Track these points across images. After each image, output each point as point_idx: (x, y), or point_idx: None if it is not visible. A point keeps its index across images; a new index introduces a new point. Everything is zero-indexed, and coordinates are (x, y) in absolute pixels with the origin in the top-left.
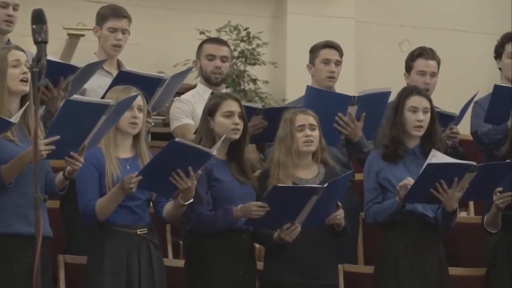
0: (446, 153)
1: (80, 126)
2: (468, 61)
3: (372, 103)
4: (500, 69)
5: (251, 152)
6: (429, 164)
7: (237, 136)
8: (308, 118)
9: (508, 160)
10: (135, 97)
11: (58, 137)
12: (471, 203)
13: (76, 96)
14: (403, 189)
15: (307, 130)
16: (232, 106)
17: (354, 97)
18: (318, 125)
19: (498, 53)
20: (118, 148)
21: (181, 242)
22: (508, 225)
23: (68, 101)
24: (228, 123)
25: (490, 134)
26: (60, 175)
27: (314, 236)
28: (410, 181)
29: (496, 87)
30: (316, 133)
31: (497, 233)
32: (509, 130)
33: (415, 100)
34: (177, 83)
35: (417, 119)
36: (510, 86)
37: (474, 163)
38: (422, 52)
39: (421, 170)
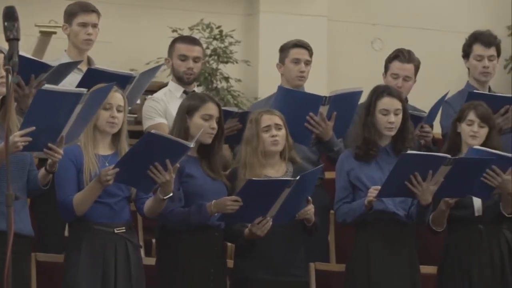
0: None
1: (55, 116)
2: (440, 60)
3: (343, 103)
4: (468, 68)
5: (224, 149)
6: (403, 154)
7: (209, 141)
8: (273, 118)
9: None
10: (111, 86)
11: (34, 128)
12: None
13: (48, 86)
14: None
15: (273, 130)
16: (212, 109)
17: (325, 97)
18: (284, 124)
19: (466, 53)
20: (97, 145)
21: (153, 240)
22: (454, 224)
23: (40, 91)
24: (205, 126)
25: None
26: (42, 170)
27: (284, 234)
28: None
29: (470, 94)
30: (282, 132)
31: (442, 232)
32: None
33: (386, 102)
34: (147, 81)
35: (388, 121)
36: (481, 91)
37: (449, 156)
38: (398, 55)
39: (395, 162)
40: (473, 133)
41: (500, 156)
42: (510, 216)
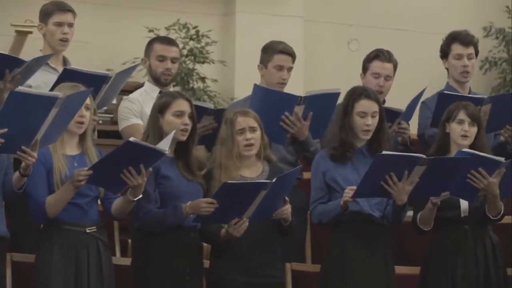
0: (397, 150)
1: (29, 119)
2: (416, 60)
3: (320, 103)
4: (447, 69)
5: (199, 150)
6: (378, 155)
7: (184, 138)
8: (248, 121)
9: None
10: (88, 92)
11: (6, 129)
12: None
13: (22, 88)
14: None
15: (247, 133)
16: (183, 105)
17: (300, 97)
18: (260, 124)
19: (444, 53)
20: (64, 146)
21: (129, 240)
22: (440, 225)
23: (13, 92)
24: (178, 123)
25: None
26: (16, 173)
27: (261, 235)
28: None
29: (440, 95)
30: (256, 134)
31: (429, 231)
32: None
33: (364, 105)
34: (123, 80)
35: (365, 123)
36: (455, 93)
37: (424, 156)
38: (378, 54)
39: (371, 162)
40: (464, 133)
41: (487, 159)
42: (495, 218)
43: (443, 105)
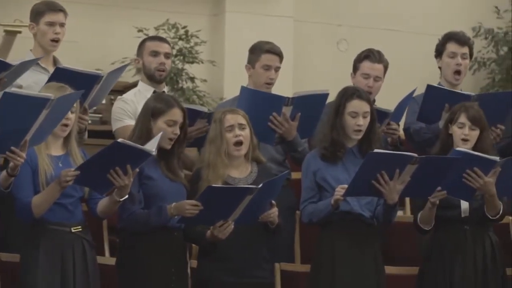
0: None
1: (20, 120)
2: (406, 61)
3: (308, 104)
4: (440, 68)
5: (191, 151)
6: (370, 153)
7: (169, 147)
8: (236, 118)
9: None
10: (79, 94)
11: None
12: (408, 202)
13: (14, 89)
14: (341, 192)
15: (236, 130)
16: (177, 115)
17: (288, 98)
18: (248, 123)
19: (439, 52)
20: (49, 147)
21: (118, 240)
22: (440, 224)
23: (6, 93)
24: (169, 131)
25: (422, 132)
26: (3, 173)
27: (248, 235)
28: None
29: (429, 87)
30: (246, 132)
31: (429, 230)
32: (439, 131)
33: (355, 105)
34: (113, 80)
35: (356, 123)
36: (442, 86)
37: (416, 155)
38: (369, 55)
39: (363, 161)
40: (464, 136)
41: (483, 158)
42: (494, 218)
43: (431, 98)
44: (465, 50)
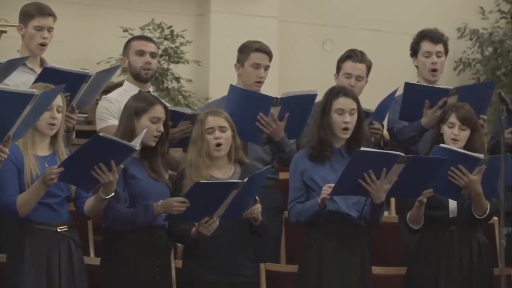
0: None
1: (4, 116)
2: (390, 61)
3: (296, 105)
4: (416, 67)
5: (177, 152)
6: (357, 151)
7: (153, 144)
8: (218, 120)
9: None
10: (60, 88)
11: None
12: (393, 203)
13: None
14: (328, 191)
15: (216, 132)
16: (160, 112)
17: (276, 98)
18: (231, 125)
19: (414, 51)
20: (36, 146)
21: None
22: (428, 224)
23: None
24: (153, 129)
25: (405, 131)
26: None
27: (231, 234)
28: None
29: (407, 85)
30: (226, 134)
31: (419, 230)
32: (422, 128)
33: (341, 102)
34: (104, 81)
35: (343, 120)
36: (421, 83)
37: (403, 154)
38: (351, 55)
39: (349, 159)
40: (454, 136)
41: (464, 155)
42: (481, 217)
43: (410, 96)
44: (440, 48)
